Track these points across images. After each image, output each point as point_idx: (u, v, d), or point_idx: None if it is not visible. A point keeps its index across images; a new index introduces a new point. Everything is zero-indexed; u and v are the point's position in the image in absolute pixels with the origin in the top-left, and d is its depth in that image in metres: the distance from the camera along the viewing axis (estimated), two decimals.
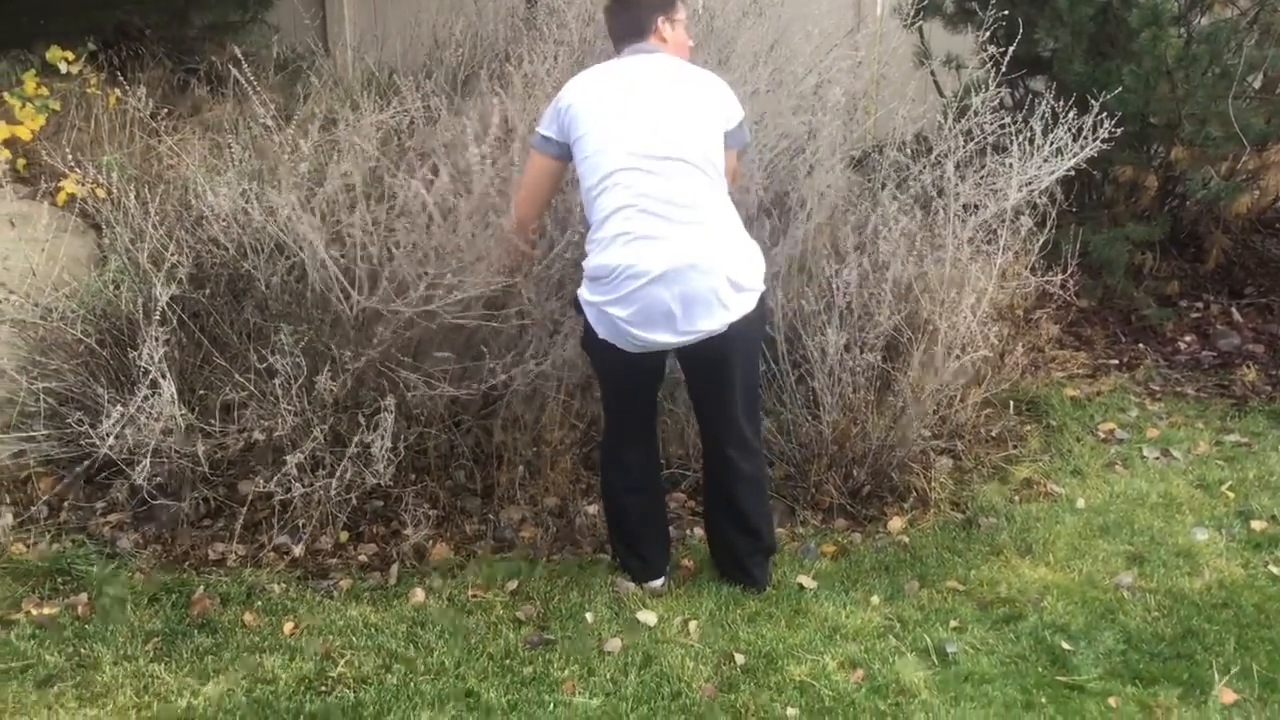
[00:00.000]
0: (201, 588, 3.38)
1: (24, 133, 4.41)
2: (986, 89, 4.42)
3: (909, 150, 4.50)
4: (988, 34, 4.72)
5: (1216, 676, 3.09)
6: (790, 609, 3.40)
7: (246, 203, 3.66)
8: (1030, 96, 5.18)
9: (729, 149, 3.34)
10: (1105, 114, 4.26)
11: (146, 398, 3.41)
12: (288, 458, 3.47)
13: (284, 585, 3.44)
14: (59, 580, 3.40)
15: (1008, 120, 4.33)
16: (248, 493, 3.64)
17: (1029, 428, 4.56)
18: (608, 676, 3.07)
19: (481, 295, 3.59)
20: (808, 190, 4.14)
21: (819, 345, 3.89)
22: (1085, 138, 4.24)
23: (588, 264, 3.21)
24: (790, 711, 2.97)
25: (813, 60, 4.58)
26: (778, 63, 4.54)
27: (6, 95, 4.53)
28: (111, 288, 3.76)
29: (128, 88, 4.62)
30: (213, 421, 3.58)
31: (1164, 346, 5.41)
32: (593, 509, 3.82)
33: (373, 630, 3.24)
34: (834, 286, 3.96)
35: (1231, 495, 4.10)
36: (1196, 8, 5.39)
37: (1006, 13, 4.92)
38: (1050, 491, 4.11)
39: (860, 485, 3.96)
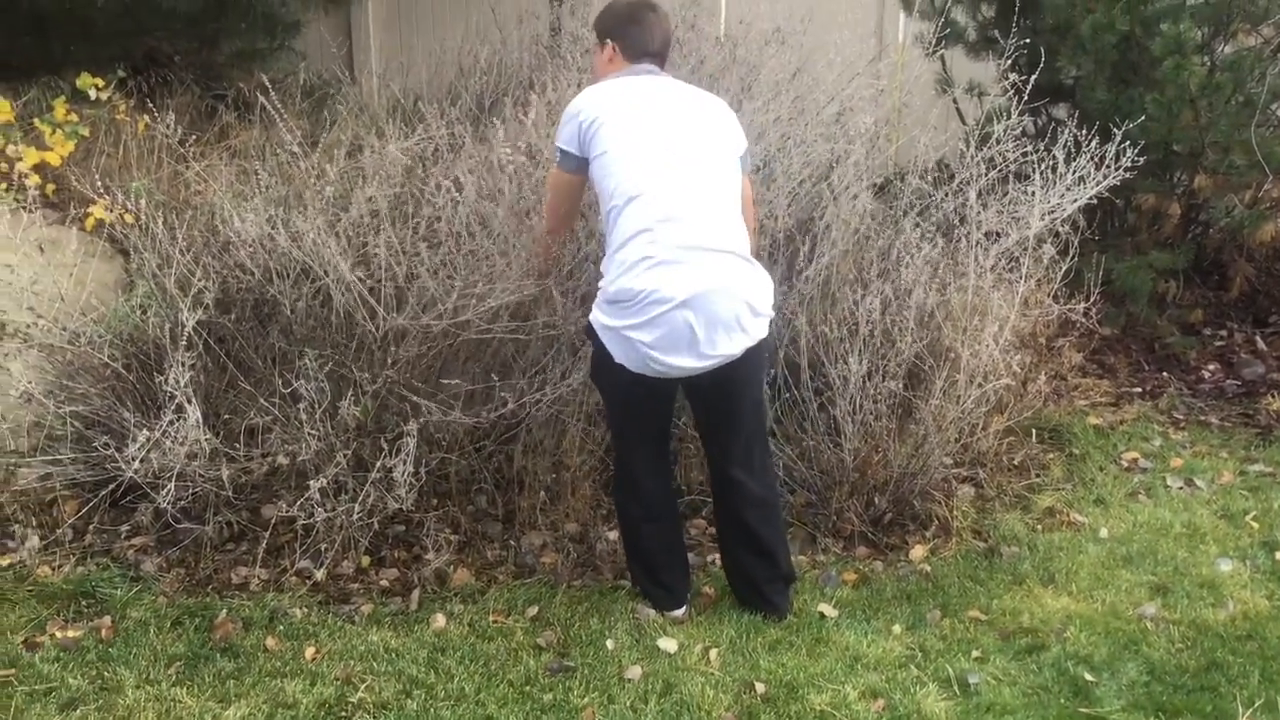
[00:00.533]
0: (224, 612, 3.40)
1: (54, 158, 4.47)
2: (1009, 117, 4.43)
3: (931, 178, 4.51)
4: (1010, 62, 4.73)
5: (1240, 709, 3.06)
6: (811, 637, 3.39)
7: (273, 228, 3.69)
8: (1053, 124, 5.21)
9: (742, 173, 3.39)
10: (1128, 142, 4.27)
11: (172, 422, 3.44)
12: (311, 482, 3.48)
13: (306, 610, 3.45)
14: (83, 603, 3.42)
15: (1030, 148, 4.34)
16: (271, 517, 3.66)
17: (1051, 456, 4.54)
18: (628, 704, 3.07)
19: (510, 303, 3.60)
20: (831, 217, 4.15)
21: (841, 372, 3.89)
22: (1108, 166, 4.25)
23: (607, 286, 3.19)
24: None
25: (835, 88, 4.60)
26: (800, 90, 4.56)
27: (37, 121, 4.59)
28: (139, 312, 3.79)
29: (156, 114, 4.67)
30: (237, 445, 3.60)
31: (1188, 375, 5.39)
32: (613, 535, 3.82)
33: (393, 655, 3.25)
34: (857, 313, 3.96)
35: (1256, 526, 4.07)
36: (1220, 36, 5.39)
37: (1028, 41, 4.94)
38: (1073, 521, 4.09)
39: (882, 513, 3.95)
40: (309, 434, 3.55)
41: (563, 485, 3.90)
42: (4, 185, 4.12)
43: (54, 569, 3.55)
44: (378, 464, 3.53)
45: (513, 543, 3.81)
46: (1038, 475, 4.38)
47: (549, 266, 3.68)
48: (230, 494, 3.61)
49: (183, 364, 3.44)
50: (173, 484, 3.41)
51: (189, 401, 3.44)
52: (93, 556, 3.63)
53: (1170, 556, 3.87)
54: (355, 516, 3.54)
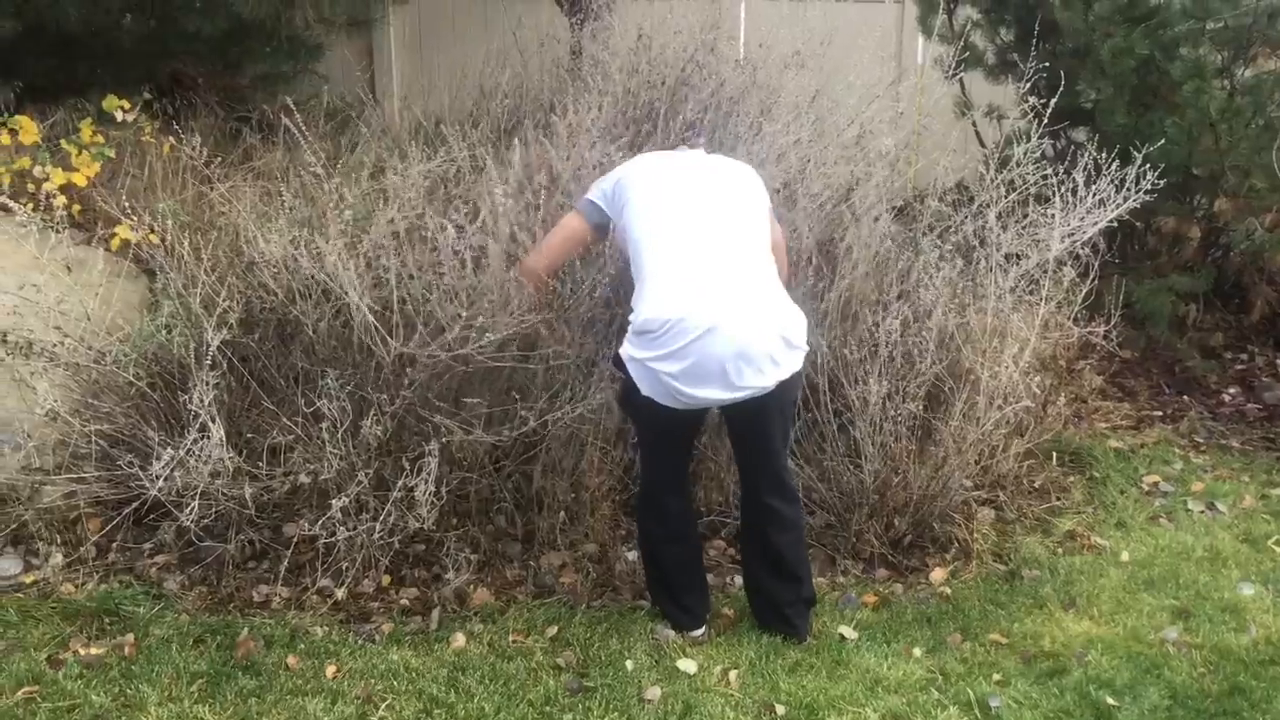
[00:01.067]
0: (246, 630, 3.41)
1: (80, 179, 4.51)
2: (1028, 140, 4.44)
3: (951, 200, 4.52)
4: (1029, 85, 4.74)
5: None
6: (831, 659, 3.38)
7: (295, 249, 3.72)
8: (1072, 148, 5.21)
9: (771, 224, 3.47)
10: (1148, 165, 4.27)
11: (196, 440, 3.46)
12: (332, 501, 3.50)
13: (327, 628, 3.46)
14: (106, 620, 3.44)
15: (1050, 171, 4.35)
16: (292, 535, 3.68)
17: (1072, 479, 4.53)
18: None
19: (515, 336, 3.61)
20: (852, 239, 4.16)
21: (861, 394, 3.89)
22: (1128, 189, 4.25)
23: (635, 319, 3.22)
24: None
25: (855, 111, 4.62)
26: (820, 113, 4.58)
27: (64, 142, 4.64)
28: (164, 332, 3.81)
29: (181, 135, 4.72)
30: (259, 464, 3.62)
31: (1208, 398, 5.37)
32: (632, 555, 3.83)
33: (414, 675, 3.26)
34: (877, 335, 3.97)
35: (1278, 550, 4.05)
36: (1239, 60, 5.39)
37: (1048, 64, 4.95)
38: (1094, 544, 4.08)
39: (901, 535, 3.95)
40: (331, 453, 3.57)
41: (582, 505, 3.91)
42: (31, 205, 4.15)
43: (77, 586, 3.57)
44: (399, 483, 3.55)
45: (532, 563, 3.82)
46: (1058, 498, 4.37)
47: (542, 299, 3.68)
48: (253, 512, 3.63)
49: (207, 383, 3.47)
50: (196, 502, 3.43)
51: (212, 420, 3.47)
52: (116, 574, 3.65)
53: (1192, 580, 3.85)
54: (376, 535, 3.56)
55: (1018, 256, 4.27)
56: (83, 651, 3.29)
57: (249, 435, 3.78)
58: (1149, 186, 4.26)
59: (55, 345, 3.77)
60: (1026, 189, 4.37)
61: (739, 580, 3.76)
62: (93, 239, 4.34)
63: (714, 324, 3.11)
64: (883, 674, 3.32)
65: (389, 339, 3.56)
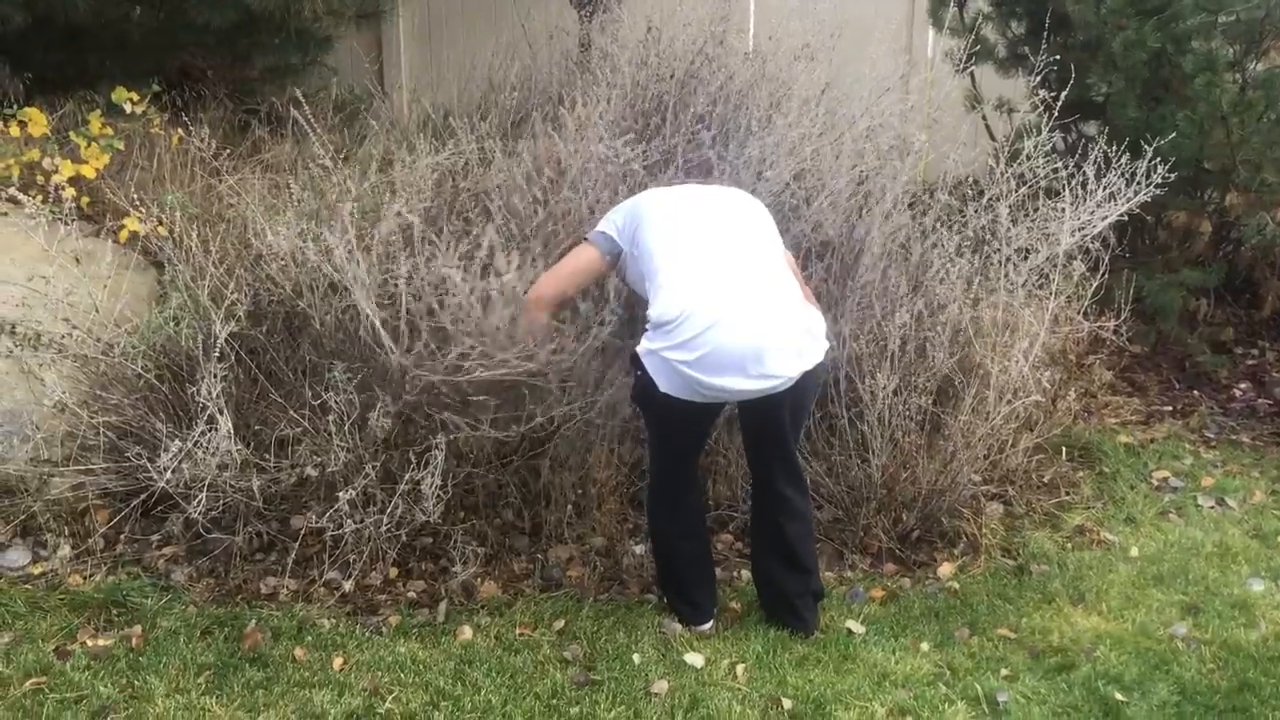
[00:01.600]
0: (253, 621, 3.42)
1: (89, 171, 4.51)
2: (1039, 133, 4.42)
3: (961, 194, 4.50)
4: (1040, 78, 4.72)
5: None
6: (839, 654, 3.37)
7: (303, 242, 3.72)
8: (1083, 141, 5.19)
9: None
10: (1159, 159, 4.25)
11: (204, 433, 3.46)
12: (339, 494, 3.50)
13: (334, 620, 3.46)
14: (114, 612, 3.44)
15: (1060, 165, 4.33)
16: (300, 528, 3.68)
17: (1081, 474, 4.52)
18: (654, 719, 3.06)
19: (509, 376, 3.58)
20: (861, 233, 4.15)
21: (870, 388, 3.88)
22: (1138, 183, 4.23)
23: (651, 313, 3.21)
24: None
25: (865, 104, 4.60)
26: (830, 106, 4.56)
27: (73, 134, 4.64)
28: (172, 324, 3.82)
29: (190, 128, 4.72)
30: (267, 457, 3.62)
31: (1219, 394, 5.35)
32: (639, 549, 3.82)
33: (421, 667, 3.26)
34: (886, 329, 3.96)
35: None
36: (1252, 53, 5.36)
37: (1059, 57, 4.93)
38: (1103, 539, 4.07)
39: (910, 530, 3.94)
40: (338, 446, 3.57)
41: (589, 500, 3.90)
42: (40, 198, 4.16)
43: (85, 578, 3.58)
44: (406, 476, 3.55)
45: (539, 556, 3.81)
46: (1067, 493, 4.35)
47: (542, 334, 3.54)
48: (260, 505, 3.64)
49: (214, 375, 3.47)
50: (203, 494, 3.44)
51: (220, 413, 3.47)
52: (124, 566, 3.66)
53: (1201, 576, 3.84)
54: (383, 528, 3.56)
55: (1028, 251, 4.25)
56: (90, 643, 3.30)
57: (257, 427, 3.78)
58: (1160, 180, 4.24)
59: (63, 337, 3.78)
60: (1037, 183, 4.35)
61: (746, 574, 3.76)
62: (101, 231, 4.34)
63: (730, 312, 3.11)
64: (890, 668, 3.31)
65: (393, 348, 3.54)
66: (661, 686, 3.19)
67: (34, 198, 4.05)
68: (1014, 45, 5.88)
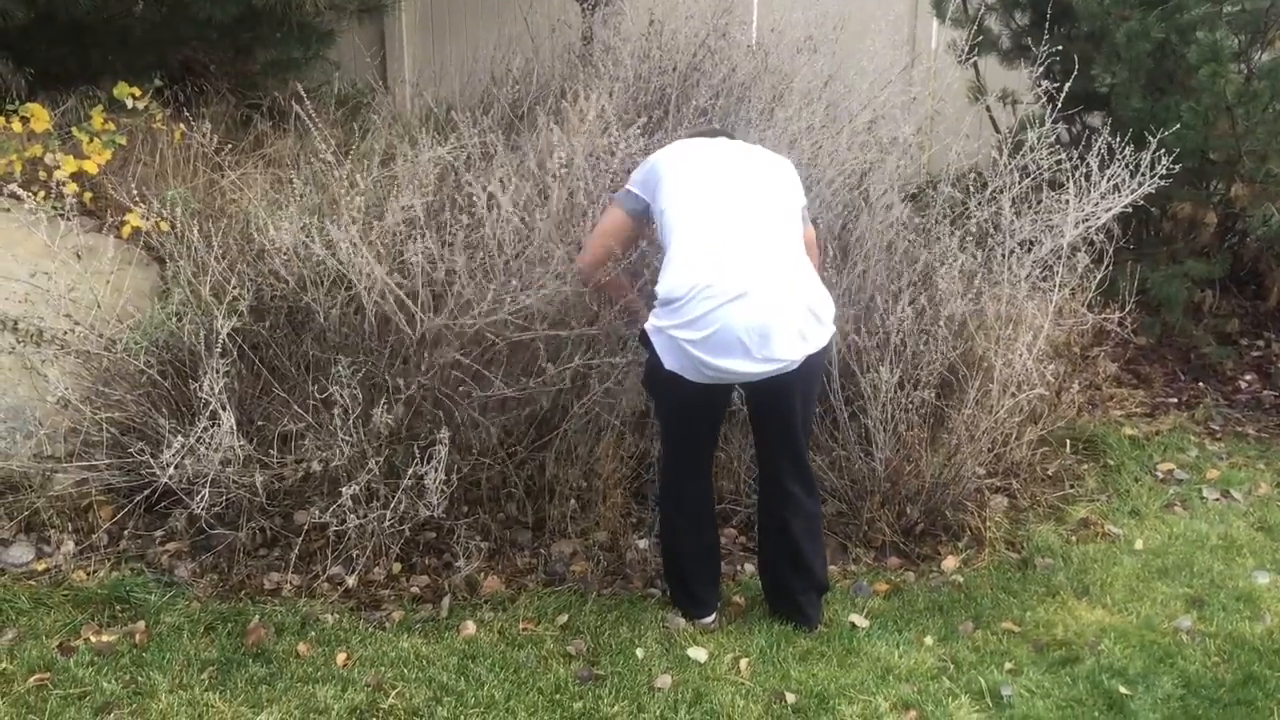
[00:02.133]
0: (257, 617, 3.42)
1: (91, 167, 4.50)
2: (1043, 125, 4.40)
3: (964, 186, 4.49)
4: (1043, 70, 4.70)
5: None
6: (842, 648, 3.37)
7: (307, 236, 3.72)
8: (1087, 132, 5.18)
9: (804, 224, 3.43)
10: (1163, 150, 4.24)
11: (206, 428, 3.46)
12: (343, 489, 3.50)
13: (337, 616, 3.46)
14: (118, 608, 3.45)
15: (1064, 156, 4.31)
16: (303, 523, 3.68)
17: (1086, 467, 4.51)
18: (657, 713, 3.06)
19: (548, 312, 3.60)
20: (864, 226, 4.14)
21: (872, 381, 3.87)
22: (1143, 174, 4.21)
23: (660, 289, 3.19)
24: None
25: (868, 96, 4.59)
26: (832, 99, 4.55)
27: (75, 130, 4.63)
28: (174, 320, 3.82)
29: (192, 123, 4.72)
30: (270, 452, 3.62)
31: (1224, 385, 5.34)
32: (643, 543, 3.82)
33: (424, 662, 3.26)
34: (889, 322, 3.95)
35: None
36: (1257, 43, 5.34)
37: (1062, 48, 4.91)
38: (1108, 532, 4.06)
39: (913, 523, 3.93)
40: (341, 440, 3.57)
41: (594, 493, 3.90)
42: (42, 193, 4.15)
43: (89, 574, 3.58)
44: (409, 471, 3.54)
45: (543, 551, 3.81)
46: (1072, 486, 4.35)
47: (619, 294, 3.69)
48: (263, 500, 3.64)
49: (217, 371, 3.47)
50: (207, 490, 3.44)
51: (223, 408, 3.47)
52: (127, 561, 3.66)
53: (1206, 569, 3.83)
54: (386, 523, 3.56)
55: (1032, 243, 4.24)
56: (94, 639, 3.30)
57: (260, 423, 3.78)
58: (1164, 172, 4.22)
59: (66, 333, 3.78)
60: (1041, 174, 4.34)
61: (750, 568, 3.76)
62: (104, 227, 4.34)
63: (739, 292, 3.09)
64: (894, 662, 3.31)
65: (416, 314, 3.54)
66: (665, 681, 3.19)
67: (36, 194, 4.04)
68: (1017, 36, 5.85)
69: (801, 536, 3.40)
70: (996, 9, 5.87)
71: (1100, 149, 4.25)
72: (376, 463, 3.58)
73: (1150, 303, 5.26)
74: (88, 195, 4.51)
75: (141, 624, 3.37)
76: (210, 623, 3.39)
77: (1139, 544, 3.99)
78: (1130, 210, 4.31)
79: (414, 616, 3.49)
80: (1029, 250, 4.21)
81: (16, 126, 4.54)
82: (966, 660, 3.33)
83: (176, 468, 3.43)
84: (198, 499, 3.43)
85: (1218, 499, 4.34)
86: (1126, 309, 4.61)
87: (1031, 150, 4.33)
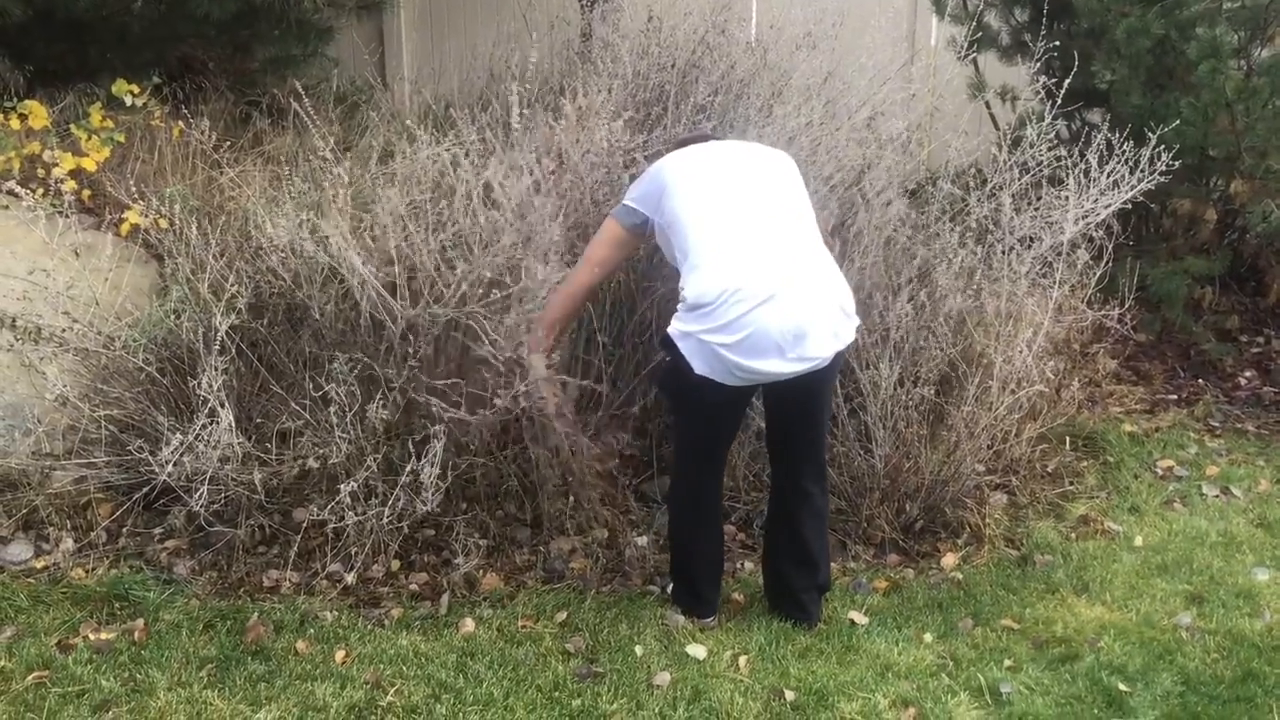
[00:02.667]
0: (255, 615, 3.41)
1: (89, 164, 4.50)
2: (1042, 121, 4.40)
3: (964, 182, 4.48)
4: (1043, 66, 4.70)
5: None
6: (841, 645, 3.37)
7: (300, 233, 3.72)
8: (1086, 129, 5.17)
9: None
10: (1163, 147, 4.23)
11: (205, 425, 3.46)
12: (341, 486, 3.50)
13: (336, 613, 3.46)
14: (116, 605, 3.44)
15: (1064, 153, 4.31)
16: (302, 520, 3.68)
17: (1086, 464, 4.51)
18: (656, 711, 3.06)
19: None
20: (863, 223, 4.13)
21: (872, 378, 3.87)
22: (1143, 170, 4.21)
23: (688, 294, 3.14)
24: None
25: (867, 93, 4.58)
26: (831, 95, 4.54)
27: (73, 127, 4.63)
28: (172, 317, 3.81)
29: (191, 120, 4.72)
30: (269, 449, 3.62)
31: (1224, 382, 5.34)
32: (642, 541, 3.82)
33: (423, 660, 3.26)
34: (888, 319, 3.94)
35: None
36: (1256, 40, 5.33)
37: (1059, 44, 4.90)
38: (1107, 529, 4.06)
39: (913, 520, 3.93)
40: (339, 437, 3.57)
41: (583, 489, 3.87)
42: (41, 191, 4.15)
43: (88, 571, 3.58)
44: (407, 468, 3.54)
45: (542, 548, 3.81)
46: (1071, 483, 4.34)
47: (559, 322, 3.59)
48: (262, 497, 3.63)
49: (216, 368, 3.47)
50: (205, 487, 3.43)
51: (222, 405, 3.47)
52: (126, 559, 3.66)
53: (1206, 565, 3.82)
54: (385, 520, 3.55)
55: (1031, 239, 4.24)
56: (93, 636, 3.30)
57: (258, 420, 3.78)
58: (1164, 168, 4.22)
59: (64, 330, 3.78)
60: (1040, 171, 4.33)
61: (749, 565, 3.76)
62: (102, 224, 4.33)
63: (772, 293, 3.06)
64: (893, 659, 3.30)
65: (392, 304, 3.54)
66: (664, 678, 3.19)
67: (34, 191, 4.04)
68: (1017, 32, 5.85)
69: (811, 535, 3.40)
70: (996, 5, 5.87)
71: (1100, 145, 4.25)
72: (375, 459, 3.57)
73: (1150, 299, 5.26)
74: (86, 193, 4.51)
75: (140, 622, 3.37)
76: (209, 620, 3.39)
77: (1138, 541, 3.99)
78: (1130, 207, 4.30)
79: (413, 614, 3.49)
80: (1029, 247, 4.21)
81: (15, 124, 4.54)
82: (966, 657, 3.33)
83: (175, 465, 3.42)
84: (196, 496, 3.43)
85: (1217, 496, 4.33)
86: (1126, 305, 4.61)
87: (1031, 146, 4.33)
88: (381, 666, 3.21)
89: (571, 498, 3.84)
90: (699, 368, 3.13)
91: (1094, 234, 4.27)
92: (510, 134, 3.88)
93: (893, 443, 3.89)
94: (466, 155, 3.86)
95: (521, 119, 3.86)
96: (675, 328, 3.17)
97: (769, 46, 4.74)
